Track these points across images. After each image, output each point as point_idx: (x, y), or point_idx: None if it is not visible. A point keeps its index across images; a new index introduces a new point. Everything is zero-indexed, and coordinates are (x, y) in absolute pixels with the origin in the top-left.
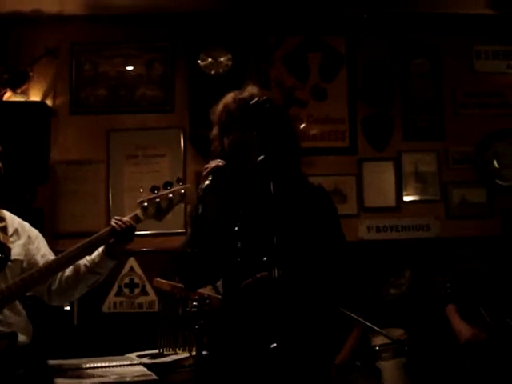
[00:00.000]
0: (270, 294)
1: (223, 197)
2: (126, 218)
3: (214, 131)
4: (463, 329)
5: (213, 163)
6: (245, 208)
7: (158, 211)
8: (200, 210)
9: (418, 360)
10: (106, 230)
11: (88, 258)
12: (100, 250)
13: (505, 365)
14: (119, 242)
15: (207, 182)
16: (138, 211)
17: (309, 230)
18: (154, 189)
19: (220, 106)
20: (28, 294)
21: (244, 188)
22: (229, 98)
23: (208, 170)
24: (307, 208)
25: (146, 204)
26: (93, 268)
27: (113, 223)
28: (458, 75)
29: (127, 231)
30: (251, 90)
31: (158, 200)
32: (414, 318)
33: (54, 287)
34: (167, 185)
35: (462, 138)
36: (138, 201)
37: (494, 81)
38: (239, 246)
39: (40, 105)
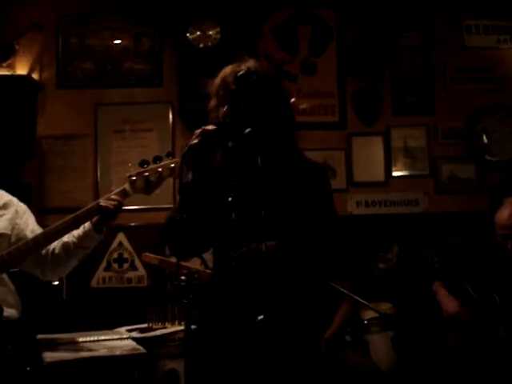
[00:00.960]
0: (263, 265)
1: (213, 164)
2: (114, 196)
3: (212, 103)
4: (450, 303)
5: (205, 127)
6: (239, 179)
7: (147, 185)
8: (184, 173)
9: (405, 334)
10: (94, 204)
11: (75, 233)
12: (86, 225)
13: (488, 338)
14: (105, 218)
15: (194, 141)
16: (127, 185)
17: (300, 205)
18: (143, 163)
19: (218, 78)
20: (18, 269)
21: (238, 159)
22: (227, 70)
23: (199, 131)
24: (299, 183)
25: (134, 178)
26: (80, 243)
27: (103, 204)
28: (448, 50)
29: (115, 210)
30: (250, 63)
31: (146, 174)
32: (402, 293)
33: (46, 263)
34: (157, 159)
35: (451, 114)
36: (127, 175)
37: (484, 56)
38: (233, 217)
39: (26, 79)
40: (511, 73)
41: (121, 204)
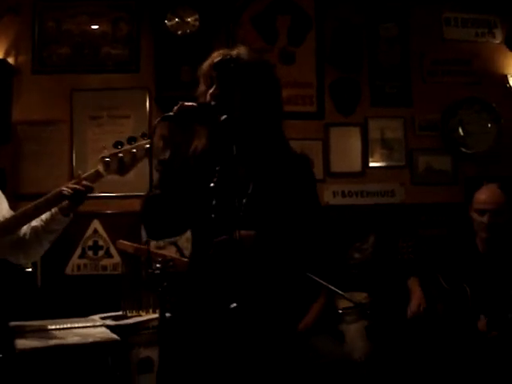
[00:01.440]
0: (239, 254)
1: (191, 144)
2: (83, 181)
3: (201, 87)
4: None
5: (183, 102)
6: (221, 165)
7: (121, 166)
8: (160, 149)
9: (379, 323)
10: (58, 190)
11: (43, 217)
12: (53, 209)
13: (461, 329)
14: (71, 203)
15: (169, 113)
16: (100, 167)
17: (283, 196)
18: (117, 144)
19: (207, 62)
20: None
21: (219, 144)
22: (216, 54)
23: (178, 105)
24: (283, 173)
25: (107, 159)
26: (48, 226)
27: (64, 191)
28: (426, 42)
29: (78, 195)
30: (240, 49)
31: (120, 155)
32: (378, 282)
33: (18, 247)
34: (131, 140)
35: (428, 106)
36: (100, 156)
37: (462, 49)
38: (214, 203)
39: (2, 63)
40: (488, 66)
41: (88, 188)
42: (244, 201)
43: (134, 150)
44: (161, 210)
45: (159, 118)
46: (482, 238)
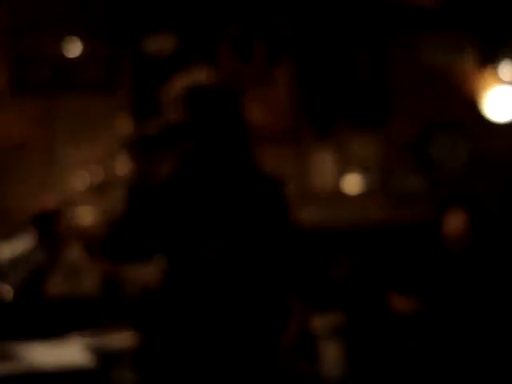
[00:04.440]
0: (217, 274)
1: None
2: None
3: (164, 113)
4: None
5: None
6: (192, 190)
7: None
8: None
9: (357, 342)
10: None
11: None
12: None
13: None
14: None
15: (150, 133)
16: (74, 191)
17: (254, 219)
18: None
19: (169, 87)
20: None
21: (191, 169)
22: (178, 78)
23: (146, 130)
24: (254, 197)
25: (81, 184)
26: None
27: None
28: (401, 64)
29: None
30: (200, 71)
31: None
32: (354, 301)
33: None
34: (107, 167)
35: (403, 126)
36: (74, 181)
37: (435, 71)
38: (188, 226)
39: None
40: (463, 90)
41: (60, 212)
42: (218, 224)
43: (108, 176)
44: (127, 236)
45: (128, 143)
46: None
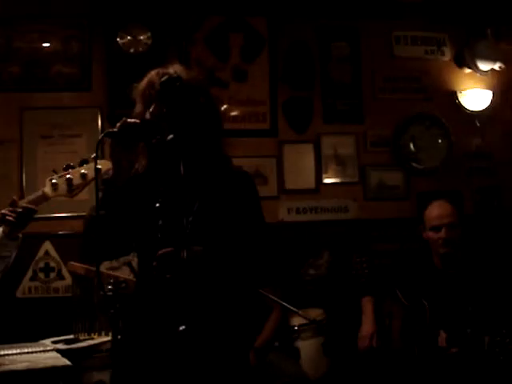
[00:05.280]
0: (185, 269)
1: (134, 161)
2: (24, 204)
3: (138, 108)
4: (365, 326)
5: (126, 118)
6: (165, 185)
7: (70, 187)
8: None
9: (335, 339)
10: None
11: None
12: None
13: (422, 344)
14: (14, 227)
15: (113, 129)
16: (46, 188)
17: (226, 213)
18: (67, 167)
19: (144, 82)
20: None
21: (163, 164)
22: (153, 72)
23: (120, 122)
24: (226, 191)
25: (55, 181)
26: None
27: (7, 217)
28: (377, 60)
29: (22, 218)
30: (175, 67)
31: (69, 176)
32: (333, 298)
33: None
34: (83, 163)
35: (379, 122)
36: (48, 178)
37: (412, 66)
38: (160, 223)
39: None
40: (438, 83)
41: (31, 210)
42: (190, 219)
43: (83, 171)
44: (104, 231)
45: (102, 134)
46: (440, 253)
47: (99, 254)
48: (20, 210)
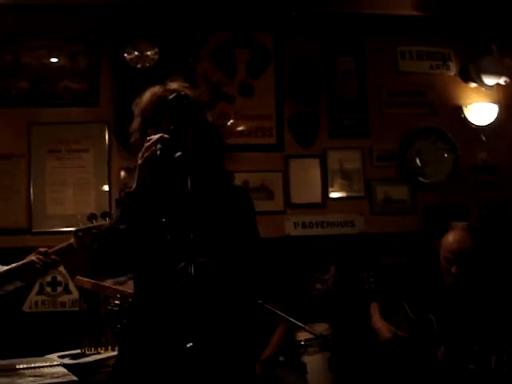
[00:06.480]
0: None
1: (159, 176)
2: (52, 254)
3: (135, 124)
4: (382, 327)
5: (158, 135)
6: (172, 200)
7: (93, 241)
8: (135, 185)
9: (342, 354)
10: (30, 260)
11: None
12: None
13: (426, 359)
14: (36, 275)
15: (156, 150)
16: (73, 240)
17: (224, 228)
18: (91, 217)
19: (147, 97)
20: None
21: (171, 180)
22: (156, 88)
23: (155, 139)
24: (223, 207)
25: (81, 234)
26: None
27: (37, 265)
28: (382, 74)
29: (44, 268)
30: (177, 84)
31: (94, 231)
32: (339, 313)
33: None
34: (105, 215)
35: (385, 136)
36: (74, 229)
37: (417, 81)
38: (168, 237)
39: None
40: (443, 97)
41: (55, 262)
42: (193, 234)
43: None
44: (125, 245)
45: (143, 160)
46: (446, 280)
47: (113, 268)
48: (49, 261)
